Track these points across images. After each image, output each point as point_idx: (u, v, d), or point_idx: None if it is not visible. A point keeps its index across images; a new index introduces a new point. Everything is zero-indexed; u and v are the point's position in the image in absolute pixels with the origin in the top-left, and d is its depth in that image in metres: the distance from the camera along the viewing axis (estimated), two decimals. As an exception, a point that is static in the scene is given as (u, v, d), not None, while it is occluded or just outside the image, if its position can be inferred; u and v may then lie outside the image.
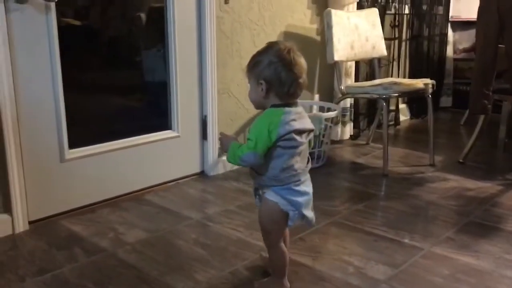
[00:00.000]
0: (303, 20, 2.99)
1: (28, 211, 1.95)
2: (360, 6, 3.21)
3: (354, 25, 2.94)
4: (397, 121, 3.76)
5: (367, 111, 3.55)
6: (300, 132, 1.39)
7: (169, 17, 2.35)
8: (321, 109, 3.05)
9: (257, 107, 1.46)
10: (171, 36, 2.36)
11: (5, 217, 1.88)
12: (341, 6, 3.02)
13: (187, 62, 2.45)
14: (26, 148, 1.92)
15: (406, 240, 1.88)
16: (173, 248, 1.81)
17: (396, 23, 3.63)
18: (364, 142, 3.30)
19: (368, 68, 3.46)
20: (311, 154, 2.70)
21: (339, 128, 3.28)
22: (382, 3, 3.46)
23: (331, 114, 2.75)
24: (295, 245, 1.83)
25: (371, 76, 3.44)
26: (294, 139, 1.37)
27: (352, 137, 3.38)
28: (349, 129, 3.36)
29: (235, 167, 2.75)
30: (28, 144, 1.93)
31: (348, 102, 3.26)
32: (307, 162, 1.46)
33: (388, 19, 3.57)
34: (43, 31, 1.90)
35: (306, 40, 3.04)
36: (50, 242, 1.84)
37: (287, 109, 1.38)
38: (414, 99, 3.94)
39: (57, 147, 2.02)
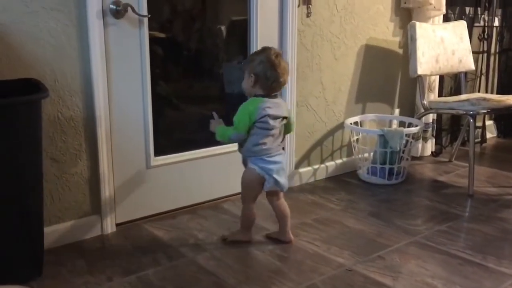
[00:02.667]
0: (385, 33, 2.93)
1: (116, 214, 2.06)
2: (446, 19, 3.09)
3: (440, 38, 2.84)
4: (483, 138, 3.56)
5: (450, 127, 3.40)
6: (274, 117, 1.79)
7: (252, 29, 2.40)
8: (402, 124, 2.96)
9: (246, 94, 1.86)
10: (253, 49, 2.41)
11: (95, 218, 2.00)
12: (426, 19, 2.93)
13: (267, 74, 2.48)
14: (116, 154, 2.03)
15: (494, 266, 1.77)
16: (250, 258, 1.83)
17: (485, 36, 3.45)
18: (447, 160, 3.15)
19: (453, 82, 3.31)
20: (390, 170, 2.64)
21: (420, 144, 3.15)
22: (471, 15, 3.31)
23: (413, 129, 2.66)
24: (374, 263, 1.78)
25: (455, 91, 3.29)
26: (268, 122, 1.78)
27: (434, 154, 3.24)
28: (430, 146, 3.23)
29: (311, 179, 2.74)
30: (118, 151, 2.04)
31: (431, 117, 3.13)
32: (282, 141, 1.88)
33: (476, 31, 3.40)
34: (136, 45, 2.02)
35: (387, 53, 2.98)
36: (135, 245, 1.93)
37: (265, 99, 1.80)
38: (503, 116, 3.71)
39: (144, 154, 2.13)
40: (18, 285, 1.36)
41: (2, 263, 1.57)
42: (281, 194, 1.96)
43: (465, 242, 1.97)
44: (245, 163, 1.93)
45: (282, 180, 1.86)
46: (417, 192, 2.60)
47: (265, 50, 1.82)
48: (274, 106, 1.81)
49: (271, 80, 1.78)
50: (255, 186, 1.87)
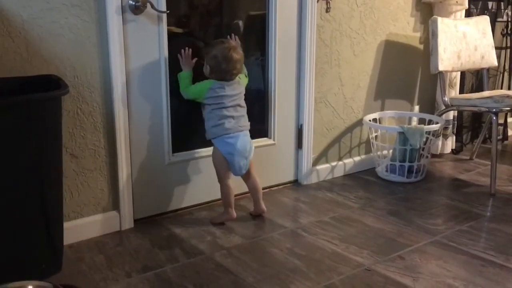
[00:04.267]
0: (405, 28, 2.88)
1: (134, 210, 2.06)
2: (468, 14, 3.03)
3: (462, 33, 2.78)
4: (505, 136, 3.49)
5: (471, 124, 3.34)
6: (226, 96, 1.99)
7: (271, 25, 2.37)
8: (422, 121, 2.91)
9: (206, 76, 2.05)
10: (272, 44, 2.39)
11: (114, 214, 2.01)
12: (447, 14, 2.87)
13: (285, 70, 2.46)
14: (134, 151, 2.04)
15: (518, 268, 1.73)
16: (268, 256, 1.82)
17: (508, 31, 3.37)
18: (467, 157, 3.10)
19: (474, 78, 3.25)
20: (409, 167, 2.60)
21: (440, 141, 3.10)
22: (493, 10, 3.23)
23: (434, 126, 2.62)
24: (394, 263, 1.76)
25: (477, 87, 3.22)
26: (219, 101, 1.99)
27: (454, 152, 3.18)
28: (451, 143, 3.17)
29: (329, 177, 2.71)
30: (137, 147, 2.04)
31: (451, 114, 3.07)
32: (242, 123, 2.04)
33: (499, 26, 3.33)
34: (154, 40, 2.01)
35: (408, 49, 2.93)
36: (153, 241, 1.93)
37: (215, 83, 2.00)
38: (525, 112, 3.63)
39: (162, 151, 2.12)
40: (38, 281, 1.37)
41: (22, 258, 1.58)
42: (251, 170, 2.11)
43: (487, 243, 1.93)
44: None
45: (237, 164, 2.02)
46: (437, 190, 2.55)
47: (219, 43, 2.00)
48: (226, 86, 2.00)
49: (223, 72, 1.99)
50: (223, 164, 2.04)
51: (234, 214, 2.09)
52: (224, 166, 2.04)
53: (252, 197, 2.18)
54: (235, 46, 2.01)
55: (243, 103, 2.07)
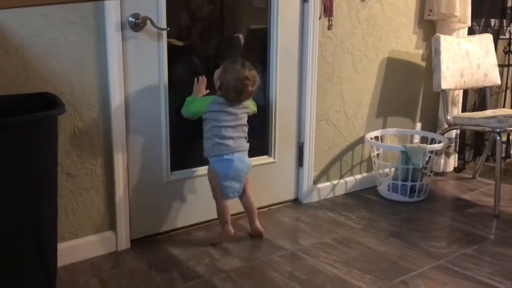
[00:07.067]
0: (408, 45, 2.86)
1: (130, 230, 2.01)
2: (471, 31, 3.00)
3: (465, 51, 2.76)
4: (507, 154, 3.45)
5: (473, 142, 3.30)
6: (226, 112, 1.94)
7: (272, 40, 2.34)
8: (424, 139, 2.87)
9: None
10: (273, 60, 2.36)
11: (110, 234, 1.96)
12: (450, 31, 2.85)
13: (287, 87, 2.43)
14: (132, 169, 1.99)
15: (525, 295, 1.68)
16: (268, 280, 1.77)
17: (511, 49, 3.34)
18: (470, 176, 3.06)
19: (476, 96, 3.22)
20: (412, 187, 2.56)
21: (442, 159, 3.06)
22: (496, 28, 3.21)
23: (437, 146, 2.58)
24: (397, 290, 1.71)
25: (479, 105, 3.19)
26: (218, 116, 1.93)
27: (457, 170, 3.14)
28: (453, 161, 3.13)
29: (330, 195, 2.67)
30: (134, 165, 2.00)
31: (454, 132, 3.04)
32: (240, 144, 1.98)
33: (501, 44, 3.30)
34: (154, 58, 1.98)
35: (410, 66, 2.90)
36: (150, 263, 1.88)
37: (219, 98, 1.95)
38: (528, 130, 3.59)
39: (160, 169, 2.08)
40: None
41: (14, 280, 1.53)
42: (246, 188, 2.06)
43: (492, 267, 1.89)
44: None
45: (229, 189, 1.98)
46: (440, 211, 2.51)
47: (240, 70, 1.91)
48: (226, 104, 1.95)
49: (230, 98, 1.94)
50: (218, 182, 1.98)
51: (232, 230, 2.04)
52: (220, 183, 1.99)
53: (247, 216, 2.14)
54: (255, 77, 1.94)
55: (245, 124, 2.01)
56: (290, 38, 2.39)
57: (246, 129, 2.02)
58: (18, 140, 1.43)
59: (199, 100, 1.99)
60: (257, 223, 2.12)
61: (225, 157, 1.95)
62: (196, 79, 2.02)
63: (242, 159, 1.98)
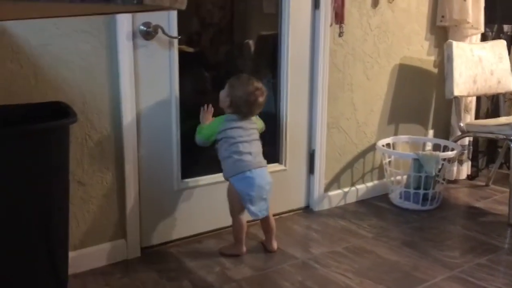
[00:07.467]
0: (420, 52, 2.83)
1: (141, 238, 2.01)
2: (484, 37, 2.97)
3: (477, 57, 2.73)
4: (521, 161, 3.40)
5: (486, 149, 3.26)
6: (240, 128, 1.92)
7: (283, 46, 2.33)
8: (436, 147, 2.84)
9: (220, 102, 1.98)
10: (284, 67, 2.35)
11: (121, 242, 1.96)
12: (463, 37, 2.82)
13: (298, 94, 2.42)
14: (143, 177, 1.99)
15: (542, 308, 1.65)
16: (279, 290, 1.76)
17: (525, 55, 3.30)
18: (483, 184, 3.02)
19: (489, 103, 3.18)
20: (424, 195, 2.53)
21: (455, 166, 3.03)
22: (509, 33, 3.18)
23: (450, 154, 2.55)
24: (410, 301, 1.68)
25: (492, 112, 3.15)
26: (233, 134, 1.91)
27: (470, 177, 3.10)
28: (466, 169, 3.09)
29: (341, 203, 2.65)
30: (145, 173, 2.00)
31: (467, 139, 3.00)
32: (261, 160, 1.97)
33: (514, 50, 3.27)
34: (165, 66, 1.98)
35: (422, 72, 2.87)
36: (161, 272, 1.87)
37: (230, 115, 1.94)
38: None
39: (171, 177, 2.08)
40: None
41: (26, 287, 1.54)
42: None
43: (507, 278, 1.85)
44: None
45: (253, 207, 1.92)
46: (453, 219, 2.47)
47: (247, 83, 1.92)
48: (239, 120, 1.94)
49: (244, 112, 1.93)
50: (237, 201, 1.95)
51: (244, 250, 2.02)
52: (239, 202, 1.95)
53: (264, 233, 2.08)
54: (262, 88, 1.94)
55: (259, 139, 2.00)
56: (301, 45, 2.38)
57: (260, 144, 2.00)
58: (31, 148, 1.43)
59: (210, 124, 1.97)
60: (274, 244, 2.06)
61: (246, 174, 1.90)
62: (202, 108, 2.00)
63: (262, 176, 1.94)
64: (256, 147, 1.97)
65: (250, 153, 1.92)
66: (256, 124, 2.01)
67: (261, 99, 1.93)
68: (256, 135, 1.99)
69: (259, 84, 1.94)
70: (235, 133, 1.91)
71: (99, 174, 1.88)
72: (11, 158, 1.39)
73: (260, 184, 1.92)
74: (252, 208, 1.93)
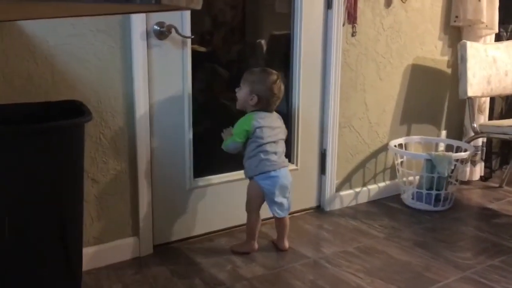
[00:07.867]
0: (433, 52, 2.82)
1: (153, 236, 2.03)
2: (498, 37, 2.95)
3: (492, 58, 2.70)
4: (535, 162, 3.36)
5: (500, 150, 3.23)
6: (268, 127, 1.93)
7: (296, 46, 2.34)
8: (449, 147, 2.83)
9: (239, 104, 1.99)
10: (296, 67, 2.35)
11: (134, 240, 1.98)
12: (477, 38, 2.80)
13: (310, 94, 2.42)
14: (156, 175, 2.01)
15: (556, 310, 1.63)
16: (290, 289, 1.76)
17: (540, 55, 3.27)
18: (497, 185, 2.99)
19: (504, 104, 3.15)
20: (437, 195, 2.51)
21: (468, 167, 3.00)
22: (524, 33, 3.15)
23: (463, 154, 2.53)
24: (422, 301, 1.68)
25: (506, 113, 3.13)
26: (262, 133, 1.91)
27: (483, 179, 3.08)
28: (479, 169, 3.07)
29: (353, 203, 2.64)
30: (158, 171, 2.02)
31: (480, 140, 2.98)
32: (284, 159, 2.00)
33: (529, 50, 3.23)
34: (178, 65, 2.00)
35: (435, 73, 2.86)
36: (172, 269, 1.89)
37: (259, 112, 1.94)
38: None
39: (183, 175, 2.10)
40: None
41: (40, 283, 1.56)
42: None
43: (521, 280, 1.84)
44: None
45: (276, 206, 1.97)
46: (465, 220, 2.46)
47: (267, 75, 1.94)
48: (268, 117, 1.95)
49: (273, 102, 1.96)
50: (257, 198, 1.98)
51: (256, 246, 2.04)
52: (258, 200, 1.98)
53: (277, 231, 2.09)
54: (278, 74, 1.97)
55: (284, 138, 2.02)
56: (314, 44, 2.39)
57: (284, 144, 2.02)
58: (45, 147, 1.46)
59: (239, 126, 1.94)
60: (286, 243, 2.07)
61: (271, 174, 1.93)
62: (222, 133, 2.01)
63: (286, 176, 1.98)
64: (281, 147, 1.99)
65: (275, 153, 1.94)
66: (282, 121, 2.03)
67: (282, 86, 1.98)
68: (282, 134, 2.01)
69: (272, 70, 1.98)
70: (264, 134, 1.92)
71: (112, 172, 1.90)
72: (27, 156, 1.42)
73: (284, 184, 1.96)
74: (275, 206, 1.97)
